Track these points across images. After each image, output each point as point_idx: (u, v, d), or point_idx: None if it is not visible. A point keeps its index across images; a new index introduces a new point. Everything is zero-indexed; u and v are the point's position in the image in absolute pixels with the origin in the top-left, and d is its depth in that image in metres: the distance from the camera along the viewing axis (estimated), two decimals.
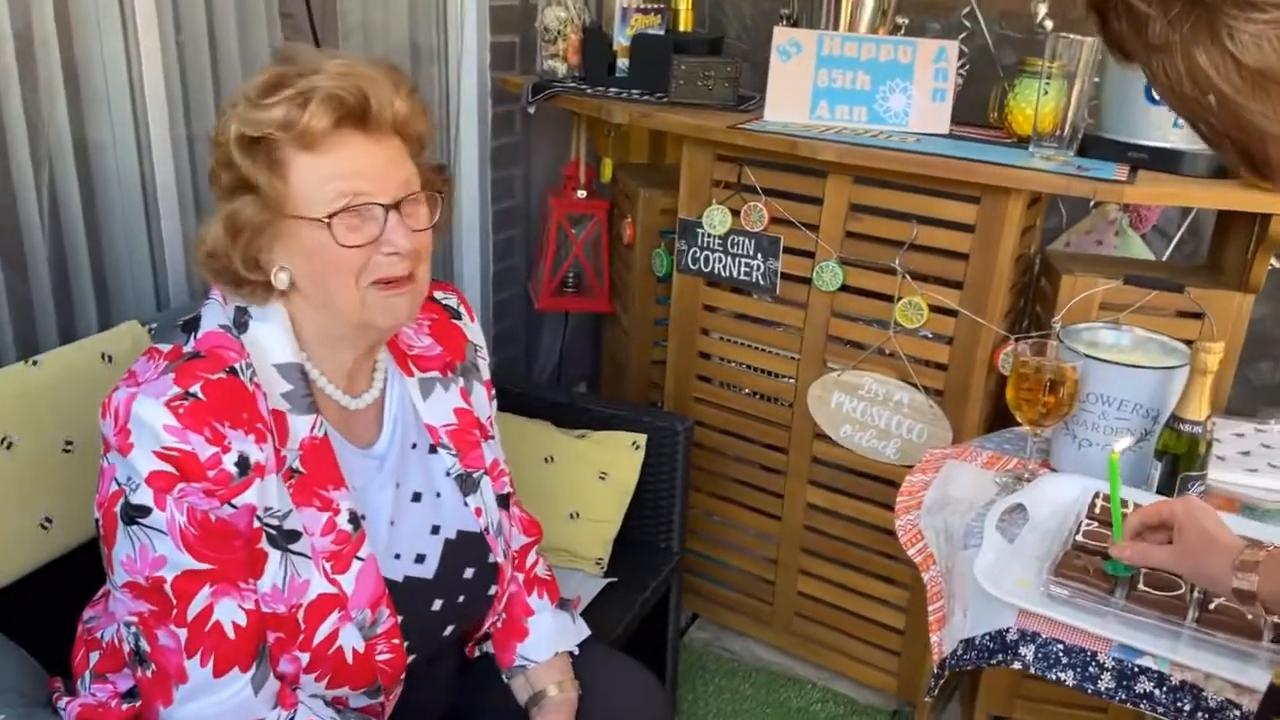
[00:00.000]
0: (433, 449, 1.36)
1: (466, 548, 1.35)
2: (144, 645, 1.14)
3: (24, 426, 1.37)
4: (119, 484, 1.10)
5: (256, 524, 1.14)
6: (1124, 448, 1.24)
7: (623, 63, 2.29)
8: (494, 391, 1.50)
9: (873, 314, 2.02)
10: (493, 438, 1.46)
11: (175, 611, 1.11)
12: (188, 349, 1.16)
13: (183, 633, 1.11)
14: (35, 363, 1.41)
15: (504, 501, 1.43)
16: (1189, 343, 1.52)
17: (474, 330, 1.47)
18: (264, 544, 1.15)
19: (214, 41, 1.89)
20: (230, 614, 1.13)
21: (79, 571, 1.38)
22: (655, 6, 2.28)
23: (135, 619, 1.13)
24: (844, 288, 2.02)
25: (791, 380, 2.15)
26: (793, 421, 2.17)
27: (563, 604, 1.50)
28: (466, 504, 1.37)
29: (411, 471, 1.34)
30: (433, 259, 2.60)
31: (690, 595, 2.43)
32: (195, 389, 1.09)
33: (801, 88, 2.04)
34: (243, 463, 1.10)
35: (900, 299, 1.96)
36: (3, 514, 1.34)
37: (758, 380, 2.21)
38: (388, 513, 1.29)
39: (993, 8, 2.47)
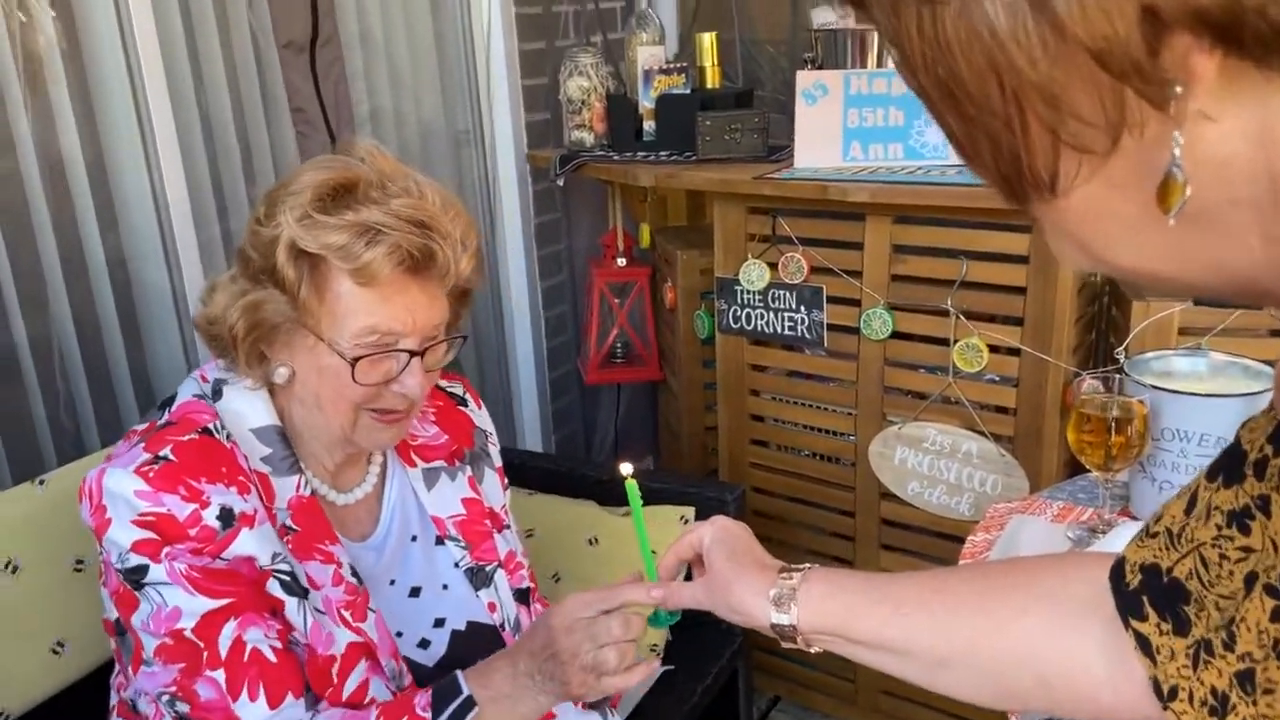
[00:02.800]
0: (439, 541, 1.29)
1: (478, 639, 1.26)
2: (182, 707, 1.07)
3: (32, 548, 1.34)
4: (115, 566, 1.06)
5: (261, 569, 1.08)
6: (632, 471, 1.02)
7: (649, 125, 2.23)
8: (507, 480, 1.42)
9: (929, 360, 1.89)
10: (508, 527, 1.38)
11: (206, 655, 1.05)
12: (161, 422, 1.13)
13: (220, 674, 1.04)
14: (42, 482, 1.38)
15: (523, 596, 1.34)
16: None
17: (482, 417, 1.41)
18: (278, 590, 1.08)
19: (246, 150, 1.90)
20: (265, 640, 1.06)
21: (94, 698, 1.32)
22: (679, 66, 2.23)
23: (171, 687, 1.07)
24: (895, 334, 1.89)
25: (851, 438, 2.02)
26: (856, 482, 2.03)
27: (598, 702, 1.39)
28: (478, 597, 1.29)
29: (411, 566, 1.27)
30: (488, 344, 2.60)
31: (768, 676, 2.27)
32: (165, 451, 1.06)
33: (831, 130, 1.94)
34: (226, 515, 1.05)
35: (957, 342, 1.83)
36: (10, 642, 1.30)
37: (815, 440, 2.08)
38: (381, 609, 1.22)
39: None
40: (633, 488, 1.01)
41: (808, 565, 0.86)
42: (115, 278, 1.74)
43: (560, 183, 2.25)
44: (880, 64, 1.97)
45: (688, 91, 2.21)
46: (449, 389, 1.40)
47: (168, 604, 1.05)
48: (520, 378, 2.68)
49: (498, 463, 1.40)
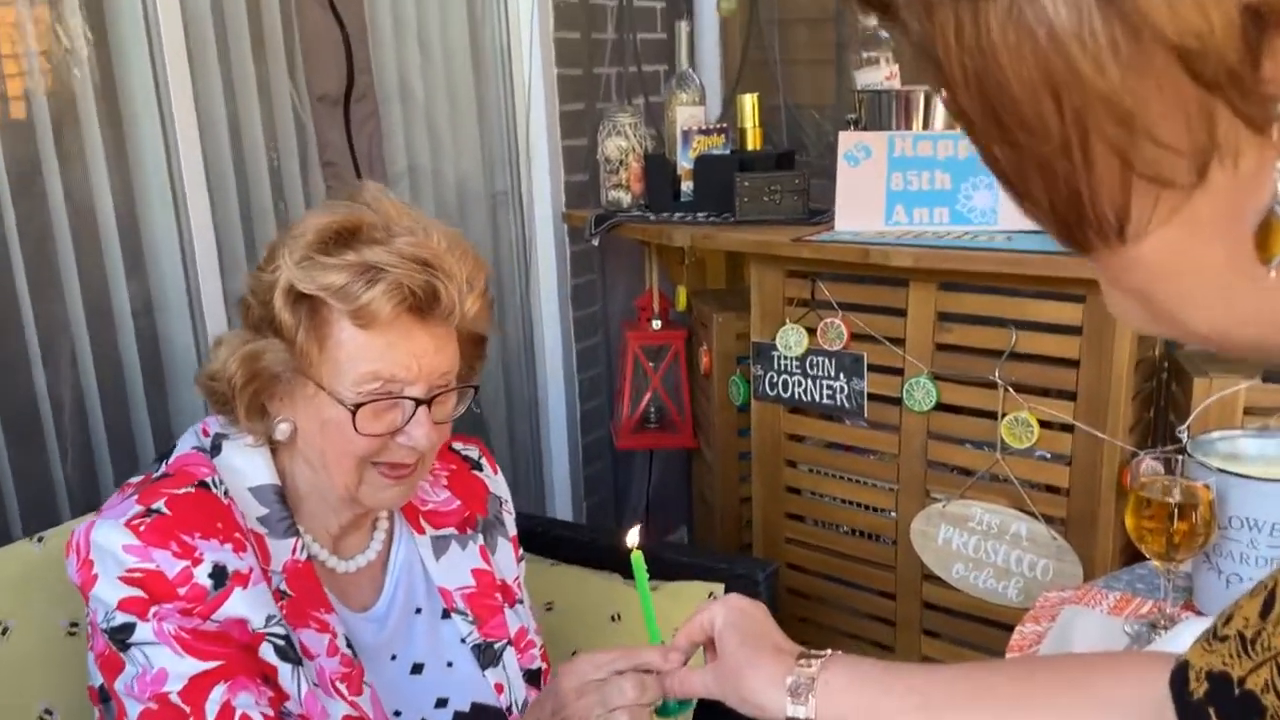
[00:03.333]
0: (445, 614, 1.22)
1: None
2: None
3: (24, 609, 1.27)
4: (101, 626, 1.00)
5: (254, 631, 1.01)
6: (638, 542, 0.94)
7: (687, 186, 2.18)
8: (522, 551, 1.34)
9: (975, 434, 1.79)
10: (520, 602, 1.30)
11: None
12: (157, 474, 1.08)
13: None
14: (40, 539, 1.33)
15: (533, 678, 1.25)
16: None
17: (497, 482, 1.34)
18: (272, 656, 1.01)
19: (279, 203, 1.88)
20: (255, 707, 0.98)
21: None
22: (719, 127, 2.18)
23: None
24: (940, 406, 1.80)
25: (892, 515, 1.92)
26: (897, 562, 1.92)
27: None
28: (485, 677, 1.21)
29: (414, 640, 1.19)
30: (520, 406, 2.54)
31: None
32: (158, 504, 1.00)
33: (874, 193, 1.87)
34: (218, 573, 0.99)
35: (1005, 415, 1.73)
36: None
37: (855, 515, 1.98)
38: (380, 684, 1.14)
39: None
40: (638, 560, 0.94)
41: (828, 651, 0.78)
42: (140, 329, 1.71)
43: (595, 242, 2.20)
44: (926, 125, 1.90)
45: (727, 153, 2.16)
46: (463, 452, 1.33)
47: (153, 666, 0.98)
48: (552, 441, 2.62)
49: (512, 532, 1.33)
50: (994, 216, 1.84)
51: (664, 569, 1.78)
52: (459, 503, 1.27)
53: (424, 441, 1.06)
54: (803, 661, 0.78)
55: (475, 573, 1.24)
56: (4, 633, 1.25)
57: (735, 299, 2.23)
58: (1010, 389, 1.72)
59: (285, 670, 1.02)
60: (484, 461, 1.34)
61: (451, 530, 1.25)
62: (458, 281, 1.05)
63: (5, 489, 1.55)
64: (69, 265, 1.60)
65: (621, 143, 2.20)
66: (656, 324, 2.33)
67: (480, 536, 1.27)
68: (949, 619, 1.90)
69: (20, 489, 1.56)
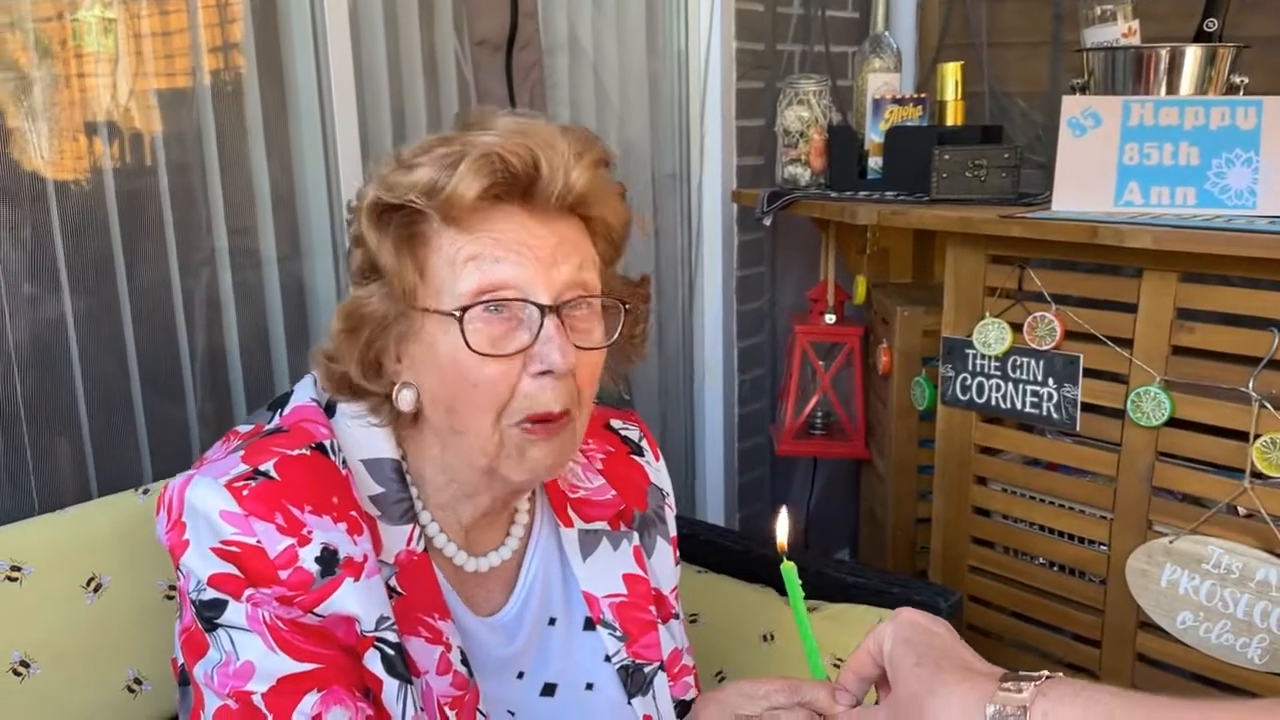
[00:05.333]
0: (589, 625, 1.03)
1: None
2: None
3: (120, 566, 1.16)
4: (190, 596, 0.86)
5: (362, 634, 0.86)
6: (784, 542, 0.84)
7: (875, 162, 1.95)
8: (679, 554, 1.15)
9: (1217, 457, 1.50)
10: (676, 617, 1.11)
11: None
12: (269, 426, 0.93)
13: None
14: (146, 491, 1.22)
15: (685, 709, 1.06)
16: None
17: (659, 471, 1.14)
18: (378, 667, 0.86)
19: None
20: None
21: None
22: (915, 97, 1.94)
23: None
24: (1172, 421, 1.51)
25: (1103, 548, 1.63)
26: (1106, 604, 1.64)
27: None
28: (631, 706, 1.02)
29: (548, 656, 1.01)
30: (674, 403, 2.36)
31: None
32: (267, 466, 0.85)
33: (1103, 167, 1.60)
34: (328, 558, 0.84)
35: (1258, 437, 1.43)
36: (79, 672, 1.12)
37: (1056, 546, 1.70)
38: (503, 704, 0.97)
39: None
40: (790, 574, 0.80)
41: (1044, 673, 0.63)
42: (284, 274, 1.62)
43: (767, 222, 2.00)
44: (1171, 90, 1.61)
45: (924, 125, 1.92)
46: (623, 431, 1.14)
47: (239, 656, 0.83)
48: (706, 444, 2.42)
49: (673, 532, 1.13)
50: (1252, 199, 1.53)
51: (825, 588, 1.56)
52: (614, 493, 1.08)
53: (560, 361, 0.85)
54: (1009, 685, 0.63)
55: (627, 578, 1.05)
56: (97, 589, 1.15)
57: (921, 293, 1.99)
58: (1267, 404, 1.42)
59: (391, 687, 0.86)
60: (645, 445, 1.14)
61: (603, 525, 1.06)
62: (558, 147, 0.87)
63: (139, 437, 1.48)
64: (216, 204, 1.52)
65: (803, 113, 1.98)
66: (830, 318, 2.10)
67: (636, 535, 1.08)
68: (1168, 677, 1.60)
69: (154, 436, 1.49)
